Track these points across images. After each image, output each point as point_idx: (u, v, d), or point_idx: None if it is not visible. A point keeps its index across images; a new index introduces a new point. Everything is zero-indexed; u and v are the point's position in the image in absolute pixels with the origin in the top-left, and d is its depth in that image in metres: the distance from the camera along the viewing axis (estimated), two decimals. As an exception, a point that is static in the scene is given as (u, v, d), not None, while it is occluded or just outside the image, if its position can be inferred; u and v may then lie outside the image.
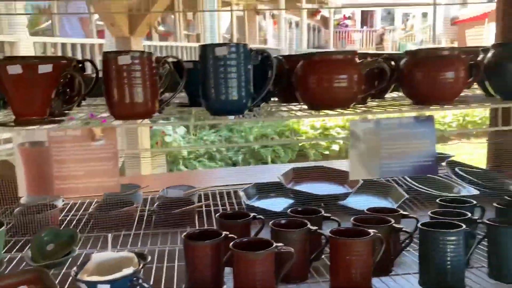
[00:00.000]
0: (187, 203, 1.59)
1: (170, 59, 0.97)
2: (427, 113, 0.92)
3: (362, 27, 17.46)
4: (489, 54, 1.02)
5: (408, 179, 1.76)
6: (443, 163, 1.97)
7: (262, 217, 1.28)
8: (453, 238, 1.03)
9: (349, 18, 17.25)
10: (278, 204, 1.68)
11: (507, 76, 0.98)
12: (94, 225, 1.50)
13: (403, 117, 0.90)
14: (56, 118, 0.90)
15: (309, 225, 1.15)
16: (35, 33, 5.66)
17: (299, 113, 0.98)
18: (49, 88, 0.83)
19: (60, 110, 0.91)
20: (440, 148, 2.27)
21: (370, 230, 1.07)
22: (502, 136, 1.93)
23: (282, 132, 5.81)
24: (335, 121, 5.76)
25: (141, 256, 1.20)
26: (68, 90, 1.03)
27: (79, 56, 5.13)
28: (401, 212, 1.28)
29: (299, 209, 1.33)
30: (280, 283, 1.10)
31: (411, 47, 14.43)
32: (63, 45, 4.75)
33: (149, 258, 1.22)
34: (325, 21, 15.91)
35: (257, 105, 1.15)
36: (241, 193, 1.69)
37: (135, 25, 3.50)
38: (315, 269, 1.21)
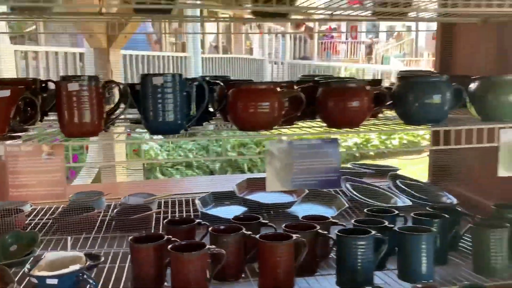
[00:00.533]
0: (145, 209, 1.73)
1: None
2: (332, 136, 1.08)
3: (347, 38, 17.79)
4: (395, 86, 1.19)
5: (352, 190, 1.93)
6: (387, 176, 2.15)
7: (207, 223, 1.43)
8: (362, 243, 1.19)
9: (334, 29, 17.57)
10: (231, 212, 1.83)
11: (406, 106, 1.15)
12: (57, 228, 1.63)
13: (312, 139, 1.06)
14: (14, 134, 1.05)
15: (243, 230, 1.30)
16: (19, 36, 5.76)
17: (224, 133, 1.14)
18: (7, 110, 0.98)
19: (18, 127, 1.05)
20: (390, 162, 2.46)
21: (294, 235, 1.23)
22: (442, 151, 2.11)
23: (260, 141, 5.98)
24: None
25: (94, 256, 1.35)
26: (29, 108, 1.17)
27: (61, 63, 5.24)
28: (331, 220, 1.44)
29: (241, 216, 1.48)
30: (217, 281, 1.25)
31: (393, 60, 14.77)
32: (46, 53, 4.87)
33: (102, 258, 1.37)
34: (311, 31, 16.19)
35: (200, 124, 1.31)
36: (197, 202, 1.83)
37: (113, 36, 3.63)
38: (251, 270, 1.36)
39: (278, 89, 1.12)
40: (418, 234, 1.23)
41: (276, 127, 1.16)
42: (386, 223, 1.34)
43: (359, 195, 1.87)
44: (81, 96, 1.01)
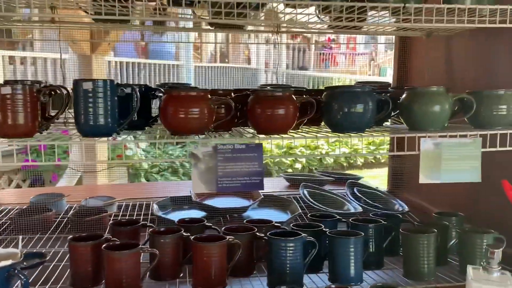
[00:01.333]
0: (101, 212, 1.78)
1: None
2: (257, 141, 1.13)
3: (345, 49, 17.91)
4: (322, 96, 1.25)
5: (308, 196, 1.97)
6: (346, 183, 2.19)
7: (153, 225, 1.48)
8: (291, 244, 1.24)
9: (333, 40, 17.70)
10: (188, 216, 1.87)
11: (331, 114, 1.20)
12: (13, 229, 1.68)
13: (237, 143, 1.11)
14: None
15: (181, 232, 1.35)
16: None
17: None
18: None
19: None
20: (376, 172, 2.50)
21: (228, 237, 1.27)
22: (402, 160, 2.15)
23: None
24: (299, 141, 5.98)
25: (39, 254, 1.40)
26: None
27: (50, 69, 5.30)
28: (273, 223, 1.49)
29: (187, 219, 1.53)
30: (153, 280, 1.30)
31: (389, 71, 14.82)
32: (34, 59, 4.96)
33: (48, 257, 1.42)
34: (306, 40, 16.30)
35: (142, 128, 1.36)
36: (155, 206, 1.88)
37: (96, 43, 3.70)
38: (190, 271, 1.40)
39: (209, 96, 1.17)
40: (346, 238, 1.27)
41: (209, 132, 1.21)
42: (322, 227, 1.39)
43: (313, 201, 1.91)
44: (14, 99, 1.07)
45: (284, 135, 1.17)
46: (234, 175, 1.10)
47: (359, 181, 2.27)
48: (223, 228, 1.39)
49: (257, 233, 1.35)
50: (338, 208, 1.92)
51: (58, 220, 1.79)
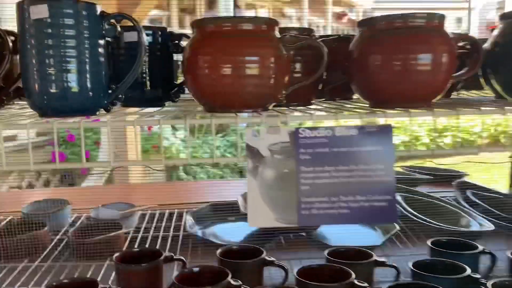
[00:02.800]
0: (113, 228, 1.26)
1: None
2: (381, 120, 0.56)
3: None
4: (495, 32, 0.65)
5: (404, 203, 1.38)
6: (453, 183, 1.59)
7: (182, 259, 0.95)
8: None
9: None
10: (234, 232, 1.33)
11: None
12: (-8, 253, 1.19)
13: (340, 127, 0.54)
14: None
15: (229, 278, 0.80)
16: None
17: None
18: None
19: None
20: (449, 165, 1.89)
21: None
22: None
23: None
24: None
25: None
26: None
27: None
28: (375, 258, 0.92)
29: (234, 248, 0.98)
30: None
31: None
32: None
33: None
34: (354, 24, 15.42)
35: (159, 104, 0.81)
36: (189, 219, 1.35)
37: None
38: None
39: (277, 34, 0.60)
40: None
41: (275, 107, 0.65)
42: (468, 271, 0.80)
43: (415, 213, 1.32)
44: None
45: (437, 109, 0.59)
46: (334, 193, 0.54)
47: (464, 179, 1.66)
48: (296, 271, 0.83)
49: (358, 282, 0.79)
50: (452, 223, 1.32)
51: (55, 240, 1.28)
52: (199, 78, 0.59)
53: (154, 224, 1.39)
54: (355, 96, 0.88)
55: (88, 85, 0.58)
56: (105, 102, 0.61)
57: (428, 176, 1.65)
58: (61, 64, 0.57)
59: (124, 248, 1.24)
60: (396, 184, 1.52)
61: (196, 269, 0.84)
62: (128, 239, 1.28)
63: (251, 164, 0.54)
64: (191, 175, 4.55)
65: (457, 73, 0.64)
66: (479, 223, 1.29)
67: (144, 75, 0.77)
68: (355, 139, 0.54)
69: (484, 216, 1.33)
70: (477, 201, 1.40)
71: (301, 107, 0.72)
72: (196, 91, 0.61)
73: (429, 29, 0.58)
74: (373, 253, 0.95)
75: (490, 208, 1.34)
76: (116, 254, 0.92)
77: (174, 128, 4.83)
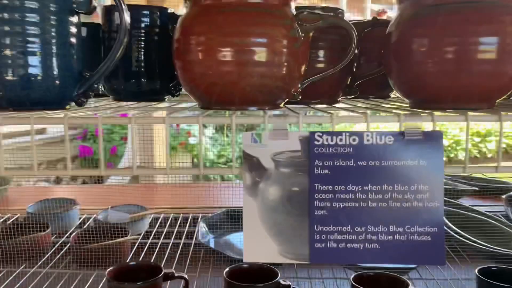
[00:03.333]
0: (119, 233, 1.15)
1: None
2: (427, 125, 0.41)
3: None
4: None
5: (444, 219, 1.21)
6: (503, 197, 1.40)
7: (185, 277, 0.83)
8: None
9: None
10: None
11: None
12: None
13: (366, 132, 0.40)
14: None
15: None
16: None
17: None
18: None
19: None
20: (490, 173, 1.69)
21: None
22: None
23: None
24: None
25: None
26: None
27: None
28: (410, 288, 0.77)
29: (244, 266, 0.85)
30: None
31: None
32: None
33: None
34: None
35: (157, 98, 0.69)
36: (202, 227, 1.22)
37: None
38: None
39: (292, 11, 0.47)
40: None
41: (289, 105, 0.51)
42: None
43: (457, 229, 1.15)
44: None
45: (505, 112, 0.44)
46: (359, 221, 0.40)
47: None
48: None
49: None
50: (501, 244, 1.14)
51: (58, 244, 1.19)
52: (191, 65, 0.46)
53: (165, 230, 1.28)
54: (394, 94, 0.73)
55: (54, 71, 0.47)
56: (75, 93, 0.49)
57: (472, 187, 1.46)
58: (19, 44, 0.45)
59: (129, 256, 1.13)
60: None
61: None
62: (135, 246, 1.17)
63: (249, 180, 0.41)
64: (220, 175, 4.44)
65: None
66: (535, 246, 1.11)
67: (138, 63, 0.65)
68: (391, 149, 0.40)
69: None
70: (531, 218, 1.21)
71: (323, 106, 0.58)
72: (187, 82, 0.48)
73: (496, 3, 0.43)
74: (408, 280, 0.80)
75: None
76: (110, 269, 0.81)
77: (204, 126, 4.74)
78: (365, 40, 0.63)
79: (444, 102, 0.45)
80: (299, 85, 0.48)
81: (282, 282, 0.79)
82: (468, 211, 1.30)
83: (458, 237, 1.10)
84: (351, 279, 0.80)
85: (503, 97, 0.46)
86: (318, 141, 0.41)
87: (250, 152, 0.41)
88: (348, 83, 0.60)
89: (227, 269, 0.82)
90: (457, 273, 1.08)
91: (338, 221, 0.41)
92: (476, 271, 0.83)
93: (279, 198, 0.41)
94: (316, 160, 0.41)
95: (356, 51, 0.61)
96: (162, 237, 1.24)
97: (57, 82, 0.47)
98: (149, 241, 1.21)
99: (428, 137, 0.40)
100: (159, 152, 3.36)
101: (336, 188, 0.41)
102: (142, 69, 0.66)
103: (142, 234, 1.24)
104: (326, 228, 0.41)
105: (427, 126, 0.42)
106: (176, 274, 0.82)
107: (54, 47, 0.46)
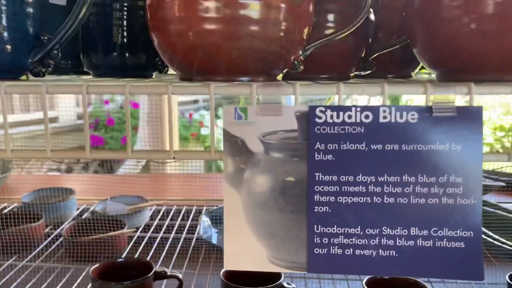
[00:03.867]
0: (115, 225, 1.08)
1: None
2: (460, 99, 0.32)
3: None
4: None
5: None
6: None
7: (179, 277, 0.75)
8: None
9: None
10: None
11: None
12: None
13: (383, 107, 0.31)
14: None
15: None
16: None
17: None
18: None
19: None
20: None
21: None
22: None
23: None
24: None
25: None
26: None
27: None
28: None
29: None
30: None
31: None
32: None
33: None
34: None
35: (142, 74, 0.60)
36: (204, 220, 1.14)
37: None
38: None
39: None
40: None
41: (287, 79, 0.42)
42: None
43: (484, 230, 1.05)
44: None
45: None
46: (372, 222, 0.31)
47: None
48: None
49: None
50: (532, 245, 1.04)
51: (52, 236, 1.12)
52: (165, 24, 0.37)
53: (166, 223, 1.21)
54: (416, 76, 0.63)
55: (3, 32, 0.38)
56: (29, 61, 0.40)
57: (499, 183, 1.35)
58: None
59: (125, 251, 1.06)
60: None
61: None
62: (133, 240, 1.10)
63: (231, 167, 0.32)
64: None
65: None
66: None
67: (119, 33, 0.57)
68: (415, 129, 0.31)
69: None
70: None
71: (332, 82, 0.49)
72: (163, 46, 0.39)
73: None
74: (426, 285, 0.71)
75: None
76: (94, 266, 0.73)
77: (217, 117, 4.67)
78: (384, 7, 0.53)
79: (483, 72, 0.35)
80: (300, 52, 0.38)
81: (285, 285, 0.71)
82: (495, 209, 1.19)
83: (484, 236, 1.00)
84: (363, 282, 0.71)
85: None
86: (320, 118, 0.32)
87: (232, 132, 0.32)
88: (362, 56, 0.51)
89: (223, 269, 0.74)
90: (486, 277, 0.98)
91: (345, 220, 0.32)
92: (507, 276, 0.73)
93: (269, 190, 0.32)
94: (317, 143, 0.32)
95: (373, 18, 0.51)
96: (162, 231, 1.16)
97: (7, 46, 0.39)
98: (148, 235, 1.13)
99: (463, 113, 0.31)
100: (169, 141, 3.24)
101: (343, 178, 0.32)
102: (124, 40, 0.57)
103: (142, 228, 1.17)
104: (328, 230, 0.32)
105: (461, 102, 0.33)
106: (168, 273, 0.74)
107: (3, 7, 0.38)
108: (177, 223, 1.20)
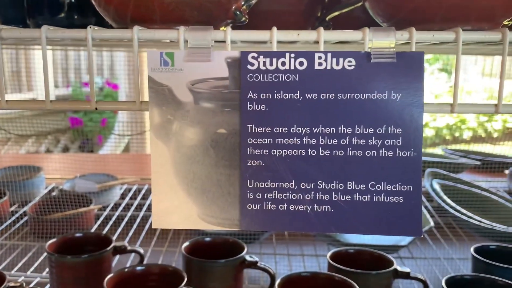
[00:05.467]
0: (83, 202, 1.06)
1: None
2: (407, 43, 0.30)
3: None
4: None
5: (442, 193, 1.11)
6: (506, 172, 1.30)
7: (139, 251, 0.73)
8: None
9: None
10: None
11: None
12: None
13: (319, 53, 0.29)
14: None
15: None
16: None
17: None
18: None
19: None
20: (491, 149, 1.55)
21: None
22: None
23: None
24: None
25: None
26: None
27: None
28: (396, 267, 0.68)
29: (208, 240, 0.75)
30: None
31: None
32: None
33: None
34: None
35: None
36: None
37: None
38: None
39: None
40: None
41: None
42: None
43: (454, 205, 1.05)
44: None
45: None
46: (307, 176, 0.29)
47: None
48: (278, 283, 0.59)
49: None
50: (501, 221, 1.04)
51: (18, 214, 1.09)
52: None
53: (136, 202, 1.18)
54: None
55: None
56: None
57: (474, 161, 1.35)
58: None
59: (94, 228, 1.04)
60: (433, 168, 1.25)
61: (140, 268, 0.61)
62: (100, 218, 1.08)
63: (157, 118, 0.30)
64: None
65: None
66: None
67: (67, -7, 0.54)
68: (352, 77, 0.29)
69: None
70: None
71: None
72: (97, -3, 0.36)
73: None
74: (393, 259, 0.70)
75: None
76: (51, 241, 0.71)
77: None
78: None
79: (430, 21, 0.33)
80: (242, 2, 0.36)
81: (248, 258, 0.69)
82: (468, 186, 1.19)
83: (454, 211, 1.00)
84: (328, 256, 0.70)
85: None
86: (252, 64, 0.29)
87: (158, 79, 0.30)
88: (318, 15, 0.49)
89: (186, 243, 0.72)
90: (452, 252, 0.98)
91: (279, 174, 0.30)
92: (472, 249, 0.73)
93: (199, 143, 0.30)
94: (250, 92, 0.30)
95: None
96: (131, 209, 1.14)
97: None
98: (117, 213, 1.11)
99: (403, 60, 0.29)
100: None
101: (276, 130, 0.30)
102: (72, 0, 0.54)
103: (111, 206, 1.15)
104: (262, 184, 0.30)
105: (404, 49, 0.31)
106: (128, 248, 0.72)
107: None
108: (148, 202, 1.18)
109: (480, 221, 0.97)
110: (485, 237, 0.97)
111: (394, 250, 0.92)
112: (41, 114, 3.48)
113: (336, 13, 0.49)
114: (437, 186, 1.13)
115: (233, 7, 0.37)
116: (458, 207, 1.03)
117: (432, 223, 0.99)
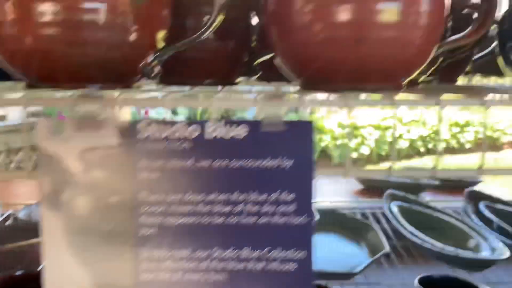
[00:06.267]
0: (35, 232, 1.03)
1: None
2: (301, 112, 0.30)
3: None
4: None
5: (399, 215, 1.12)
6: (465, 193, 1.32)
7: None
8: None
9: None
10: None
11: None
12: None
13: (209, 122, 0.28)
14: None
15: None
16: None
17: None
18: None
19: None
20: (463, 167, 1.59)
21: None
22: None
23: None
24: (369, 117, 5.00)
25: None
26: None
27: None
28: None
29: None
30: None
31: None
32: None
33: None
34: None
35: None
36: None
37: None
38: None
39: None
40: None
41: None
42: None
43: (410, 228, 1.06)
44: None
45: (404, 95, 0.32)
46: (202, 243, 0.29)
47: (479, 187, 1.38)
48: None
49: None
50: (458, 244, 1.05)
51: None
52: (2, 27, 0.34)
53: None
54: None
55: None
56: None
57: (433, 182, 1.37)
58: None
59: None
60: (392, 190, 1.26)
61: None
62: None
63: (47, 187, 0.29)
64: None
65: (453, 37, 0.38)
66: (491, 247, 1.02)
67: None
68: (244, 145, 0.29)
69: (501, 236, 1.06)
70: (491, 217, 1.12)
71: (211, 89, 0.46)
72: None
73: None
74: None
75: (506, 227, 1.07)
76: (-11, 281, 0.68)
77: (174, 113, 4.58)
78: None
79: (336, 81, 0.33)
80: (151, 58, 0.36)
81: None
82: (424, 207, 1.21)
83: (409, 234, 1.01)
84: None
85: (411, 77, 0.35)
86: (143, 132, 0.29)
87: (49, 148, 0.29)
88: (246, 60, 0.49)
89: None
90: (408, 277, 0.98)
91: (173, 243, 0.30)
92: (416, 280, 0.73)
93: (91, 213, 0.30)
94: (142, 160, 0.29)
95: (255, 21, 0.49)
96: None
97: None
98: (73, 241, 1.09)
99: (293, 128, 0.29)
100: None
101: (170, 198, 0.30)
102: None
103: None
104: (156, 253, 0.30)
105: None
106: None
107: None
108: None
109: (432, 244, 0.98)
110: (439, 260, 0.97)
111: (347, 277, 0.92)
112: (13, 130, 3.42)
113: (262, 59, 0.49)
114: (394, 209, 1.14)
115: (142, 64, 0.36)
116: (413, 230, 1.04)
117: (387, 248, 1.00)
